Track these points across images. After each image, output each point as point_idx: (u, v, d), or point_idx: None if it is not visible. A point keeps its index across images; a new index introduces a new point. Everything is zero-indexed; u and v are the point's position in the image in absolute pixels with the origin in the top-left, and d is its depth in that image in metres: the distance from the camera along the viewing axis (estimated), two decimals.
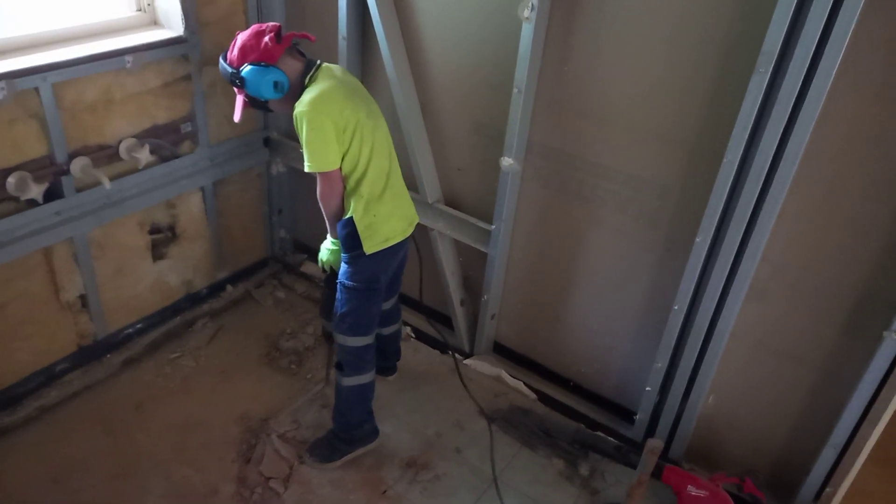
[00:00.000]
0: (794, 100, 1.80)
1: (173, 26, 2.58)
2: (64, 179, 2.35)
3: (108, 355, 2.78)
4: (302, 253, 3.45)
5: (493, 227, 2.58)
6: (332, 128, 2.00)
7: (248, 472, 2.38)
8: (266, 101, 2.10)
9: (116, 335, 2.80)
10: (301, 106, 2.01)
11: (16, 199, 2.26)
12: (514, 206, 2.55)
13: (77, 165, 2.36)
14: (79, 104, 2.34)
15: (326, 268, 2.33)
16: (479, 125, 2.54)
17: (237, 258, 3.24)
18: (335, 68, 2.16)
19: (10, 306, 2.39)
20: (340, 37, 2.65)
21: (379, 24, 2.49)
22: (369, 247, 2.15)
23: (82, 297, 2.60)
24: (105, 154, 2.46)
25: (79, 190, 2.42)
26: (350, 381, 2.33)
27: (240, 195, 3.12)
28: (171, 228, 2.87)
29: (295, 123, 2.04)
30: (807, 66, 1.76)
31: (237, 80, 2.06)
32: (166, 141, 2.66)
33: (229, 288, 3.22)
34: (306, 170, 2.07)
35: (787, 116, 1.83)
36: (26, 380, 2.54)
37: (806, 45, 1.74)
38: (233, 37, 2.11)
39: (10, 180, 2.20)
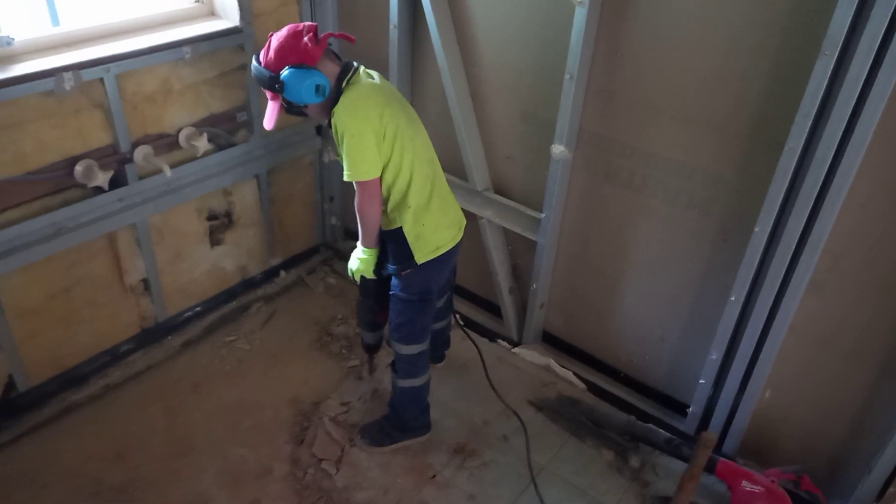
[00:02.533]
0: (861, 83, 1.72)
1: (229, 17, 2.63)
2: (127, 167, 2.43)
3: (168, 337, 2.88)
4: (352, 240, 3.50)
5: (543, 215, 2.56)
6: (372, 136, 1.93)
7: (301, 454, 2.44)
8: (304, 107, 1.99)
9: (176, 318, 2.90)
10: (340, 113, 1.93)
11: (82, 186, 2.35)
12: (564, 195, 2.52)
13: (140, 154, 2.44)
14: (140, 94, 2.42)
15: (356, 277, 2.23)
16: (529, 113, 2.52)
17: (290, 245, 3.31)
18: (372, 73, 2.08)
19: (77, 289, 2.49)
20: (392, 25, 2.66)
21: (430, 11, 2.49)
22: (420, 257, 2.11)
23: (144, 281, 2.70)
24: (165, 143, 2.53)
25: (141, 177, 2.50)
26: (404, 383, 2.37)
27: (292, 183, 3.18)
28: (228, 215, 2.94)
29: (333, 131, 1.97)
30: (876, 47, 1.68)
31: (276, 85, 1.92)
32: (222, 129, 2.73)
33: (282, 274, 3.29)
34: (345, 178, 1.99)
35: (853, 101, 1.75)
36: (92, 359, 2.66)
37: (875, 26, 1.66)
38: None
39: (78, 168, 2.29)
